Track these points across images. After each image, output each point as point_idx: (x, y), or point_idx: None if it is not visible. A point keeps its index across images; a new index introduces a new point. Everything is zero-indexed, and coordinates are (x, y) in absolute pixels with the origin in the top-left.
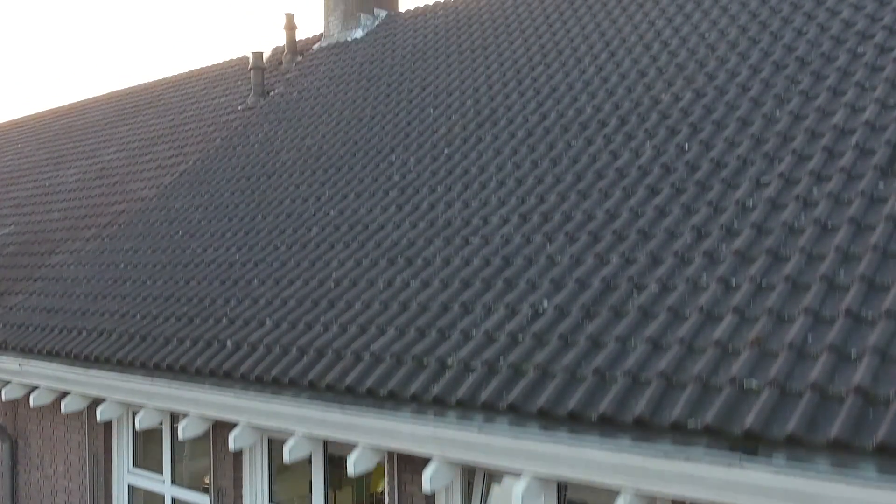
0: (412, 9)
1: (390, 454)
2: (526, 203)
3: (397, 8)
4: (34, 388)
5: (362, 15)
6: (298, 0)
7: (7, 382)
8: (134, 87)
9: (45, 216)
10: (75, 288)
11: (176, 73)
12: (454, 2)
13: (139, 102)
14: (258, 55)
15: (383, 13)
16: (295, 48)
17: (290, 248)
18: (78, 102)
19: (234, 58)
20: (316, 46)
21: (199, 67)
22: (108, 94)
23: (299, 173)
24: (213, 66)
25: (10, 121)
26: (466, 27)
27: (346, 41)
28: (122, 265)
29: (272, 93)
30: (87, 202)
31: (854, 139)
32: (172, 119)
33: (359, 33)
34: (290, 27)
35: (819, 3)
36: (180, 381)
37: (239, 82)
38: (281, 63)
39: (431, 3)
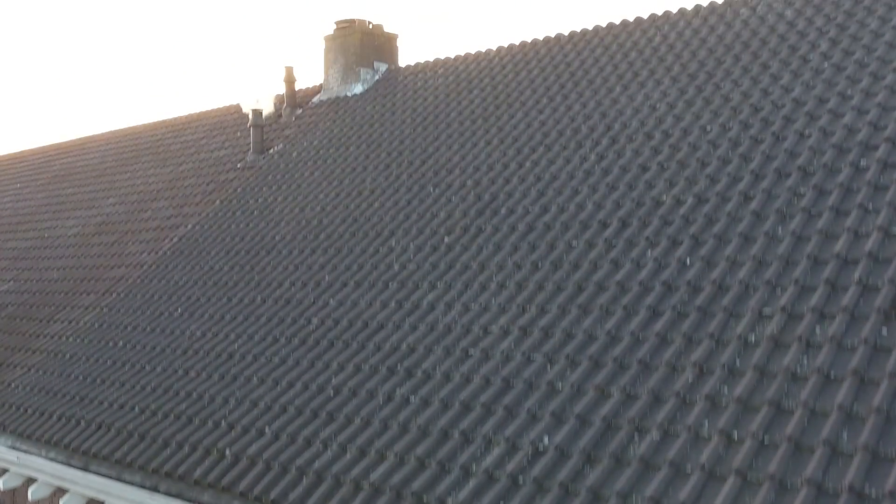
0: (412, 64)
1: None
2: (527, 312)
3: (397, 61)
4: (33, 480)
5: (362, 70)
6: (299, 43)
7: (5, 471)
8: (134, 127)
9: (44, 273)
10: (74, 367)
11: (176, 116)
12: (454, 60)
13: (138, 147)
14: (257, 112)
15: (383, 67)
16: (294, 101)
17: (289, 341)
18: (77, 140)
19: (234, 104)
20: (316, 99)
21: (198, 112)
22: (108, 133)
23: (298, 251)
24: (213, 111)
25: (11, 154)
26: (467, 91)
27: (346, 96)
28: (121, 343)
29: (271, 150)
30: (86, 262)
31: (857, 273)
32: (171, 170)
33: (358, 88)
34: (290, 80)
35: (822, 101)
36: (181, 500)
37: (238, 133)
38: (280, 116)
39: (432, 60)
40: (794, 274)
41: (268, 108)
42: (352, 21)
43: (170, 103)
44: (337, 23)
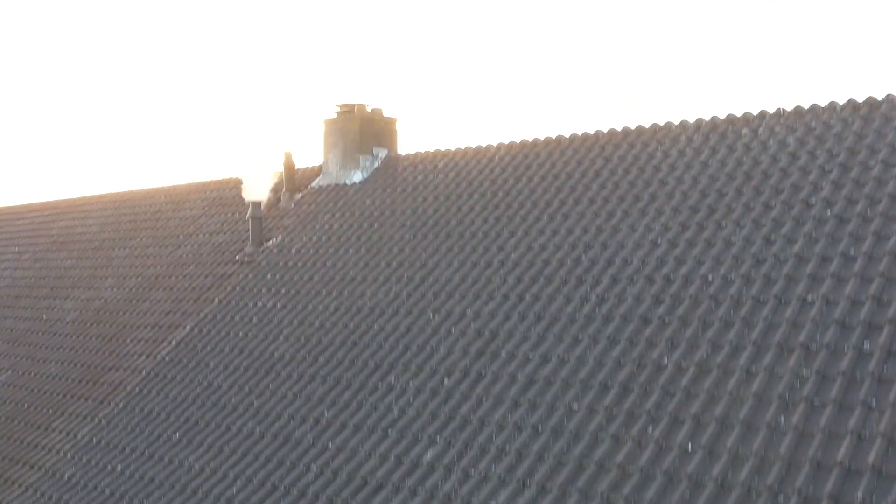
0: (412, 153)
1: None
2: (527, 489)
3: (396, 146)
4: None
5: (361, 157)
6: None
7: None
8: (133, 193)
9: (42, 367)
10: (72, 494)
11: (175, 185)
12: (454, 154)
13: (137, 218)
14: (256, 204)
15: (382, 153)
16: (294, 185)
17: (288, 491)
18: (76, 201)
19: (233, 177)
20: (315, 183)
21: (197, 182)
22: (106, 196)
23: (297, 375)
24: (212, 183)
25: (10, 208)
26: (467, 195)
27: (345, 184)
28: (119, 468)
29: (270, 242)
30: (83, 357)
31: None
32: (170, 253)
33: (358, 176)
34: (289, 166)
35: (824, 260)
36: None
37: (237, 214)
38: (279, 200)
39: (432, 151)
40: (797, 482)
41: (266, 195)
42: (351, 106)
43: (171, 163)
44: (339, 106)
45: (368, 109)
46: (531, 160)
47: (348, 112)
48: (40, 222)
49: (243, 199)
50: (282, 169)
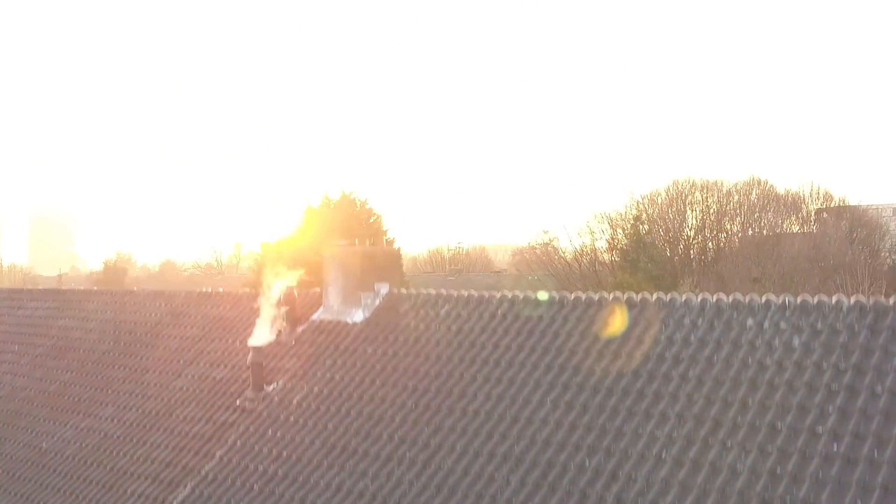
0: (414, 293)
1: None
2: None
3: (401, 278)
4: None
5: (363, 294)
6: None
7: None
8: (134, 294)
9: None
10: None
11: (174, 293)
12: (456, 299)
13: (136, 329)
14: (258, 350)
15: (384, 289)
16: (295, 320)
17: None
18: (76, 294)
19: (232, 291)
20: (316, 316)
21: (197, 293)
22: (105, 293)
23: None
24: (213, 295)
25: (10, 291)
26: (469, 358)
27: (347, 323)
28: None
29: (271, 387)
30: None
31: None
32: (170, 384)
33: (359, 316)
34: (290, 301)
35: None
36: None
37: (237, 343)
38: (280, 333)
39: (434, 293)
40: None
41: (268, 339)
42: (352, 241)
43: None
44: (344, 242)
45: (369, 243)
46: (534, 324)
47: (349, 246)
48: (40, 316)
49: (242, 320)
50: (284, 308)
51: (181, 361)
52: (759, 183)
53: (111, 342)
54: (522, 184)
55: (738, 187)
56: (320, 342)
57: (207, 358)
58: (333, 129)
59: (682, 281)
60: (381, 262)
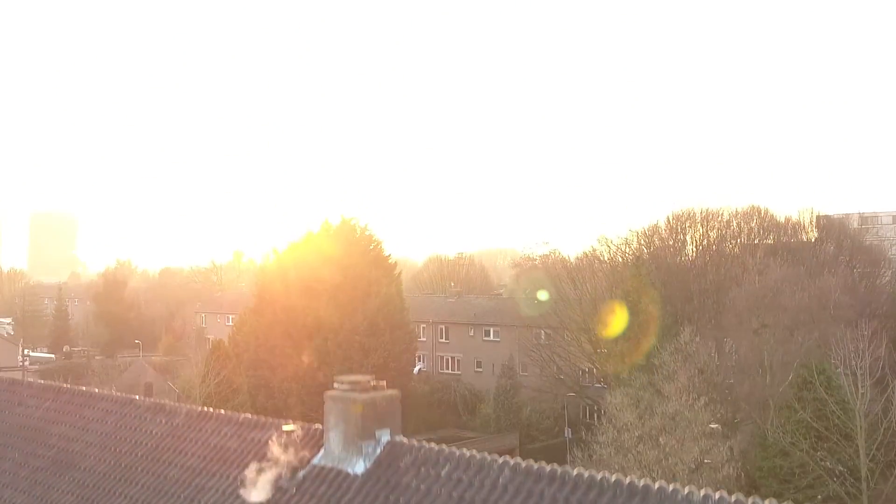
0: (415, 444)
1: None
2: None
3: (400, 427)
4: None
5: (363, 443)
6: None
7: None
8: (136, 402)
9: None
10: None
11: (177, 406)
12: (458, 458)
13: (136, 450)
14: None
15: (385, 437)
16: (295, 465)
17: None
18: (77, 397)
19: (235, 417)
20: (316, 460)
21: (199, 411)
22: (106, 399)
23: None
24: (216, 415)
25: (12, 381)
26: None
27: (347, 473)
28: None
29: None
30: None
31: None
32: None
33: (360, 467)
34: (289, 444)
35: None
36: None
37: (237, 481)
38: (280, 478)
39: (436, 447)
40: None
41: (267, 494)
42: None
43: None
44: (339, 382)
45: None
46: (536, 499)
47: (351, 390)
48: (40, 418)
49: (243, 453)
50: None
51: (181, 497)
52: (759, 212)
53: (112, 461)
54: (522, 187)
55: (738, 215)
56: (321, 494)
57: (205, 498)
58: (333, 130)
59: (682, 329)
60: (382, 409)
